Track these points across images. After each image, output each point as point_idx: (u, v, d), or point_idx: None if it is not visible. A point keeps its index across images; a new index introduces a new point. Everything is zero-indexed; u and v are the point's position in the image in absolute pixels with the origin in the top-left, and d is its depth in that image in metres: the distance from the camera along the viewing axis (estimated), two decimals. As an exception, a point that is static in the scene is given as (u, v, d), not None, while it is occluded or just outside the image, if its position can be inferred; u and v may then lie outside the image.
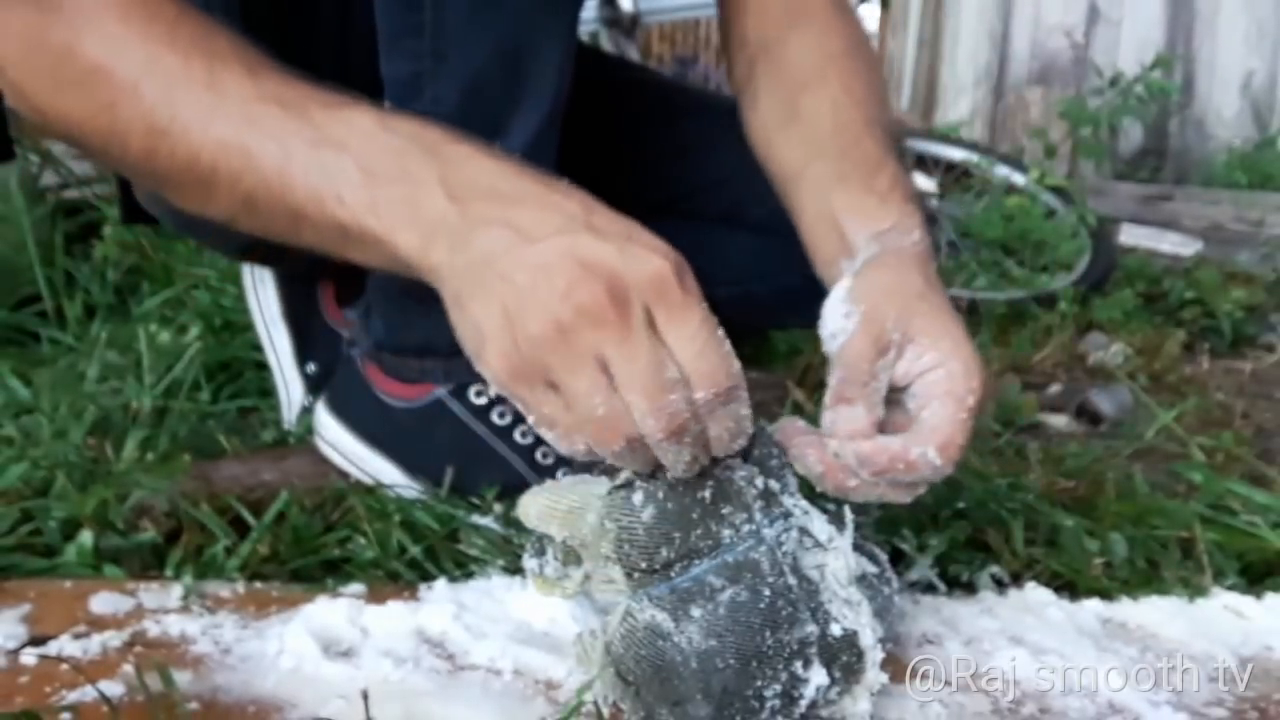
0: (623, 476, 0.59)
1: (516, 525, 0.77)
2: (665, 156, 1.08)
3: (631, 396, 0.52)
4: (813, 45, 0.83)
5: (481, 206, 0.54)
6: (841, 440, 0.60)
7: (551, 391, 0.53)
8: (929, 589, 0.77)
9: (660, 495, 0.57)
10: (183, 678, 0.58)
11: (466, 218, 0.54)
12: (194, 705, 0.56)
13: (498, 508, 0.84)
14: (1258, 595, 0.78)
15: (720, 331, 0.54)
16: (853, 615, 0.57)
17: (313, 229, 0.59)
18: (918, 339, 0.63)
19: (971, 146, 2.78)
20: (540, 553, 0.64)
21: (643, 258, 0.52)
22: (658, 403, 0.52)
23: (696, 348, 0.52)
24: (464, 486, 0.87)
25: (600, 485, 0.60)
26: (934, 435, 0.60)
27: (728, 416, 0.55)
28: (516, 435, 0.89)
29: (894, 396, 0.64)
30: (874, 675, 0.57)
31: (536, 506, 0.62)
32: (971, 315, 1.95)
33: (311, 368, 1.04)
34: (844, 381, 0.62)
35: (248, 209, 0.60)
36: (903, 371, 0.63)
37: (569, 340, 0.51)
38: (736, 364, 0.54)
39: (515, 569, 0.75)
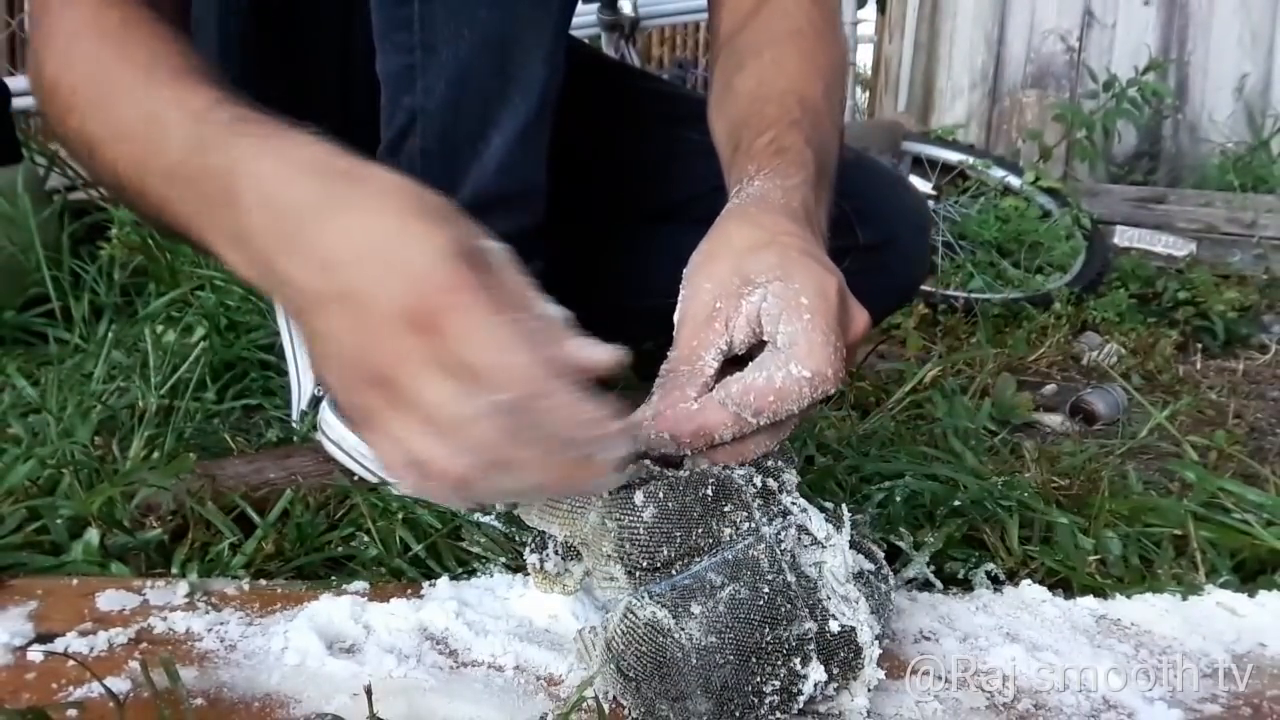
0: (624, 476, 0.60)
1: (518, 523, 0.78)
2: (665, 162, 1.09)
3: (447, 442, 0.46)
4: (763, 27, 0.84)
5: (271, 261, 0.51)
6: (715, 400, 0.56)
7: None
8: (925, 586, 0.78)
9: (661, 494, 0.58)
10: (188, 674, 0.58)
11: (266, 270, 0.51)
12: (199, 701, 0.56)
13: (499, 506, 0.84)
14: (1251, 593, 0.79)
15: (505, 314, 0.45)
16: (850, 612, 0.58)
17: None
18: (744, 286, 0.59)
19: (967, 149, 2.79)
20: (541, 549, 0.64)
21: (400, 288, 0.45)
22: (470, 436, 0.45)
23: (485, 358, 0.45)
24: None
25: None
26: (794, 351, 0.56)
27: (559, 400, 0.46)
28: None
29: (761, 349, 0.59)
30: (871, 671, 0.58)
31: (537, 506, 0.63)
32: (968, 316, 1.96)
33: None
34: (659, 375, 0.60)
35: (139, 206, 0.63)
36: (744, 324, 0.59)
37: (366, 404, 0.48)
38: (532, 359, 0.46)
39: (517, 567, 0.75)
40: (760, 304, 0.59)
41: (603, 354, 0.49)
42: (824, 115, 0.77)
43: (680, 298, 0.63)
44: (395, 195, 0.50)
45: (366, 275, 0.47)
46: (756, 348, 0.60)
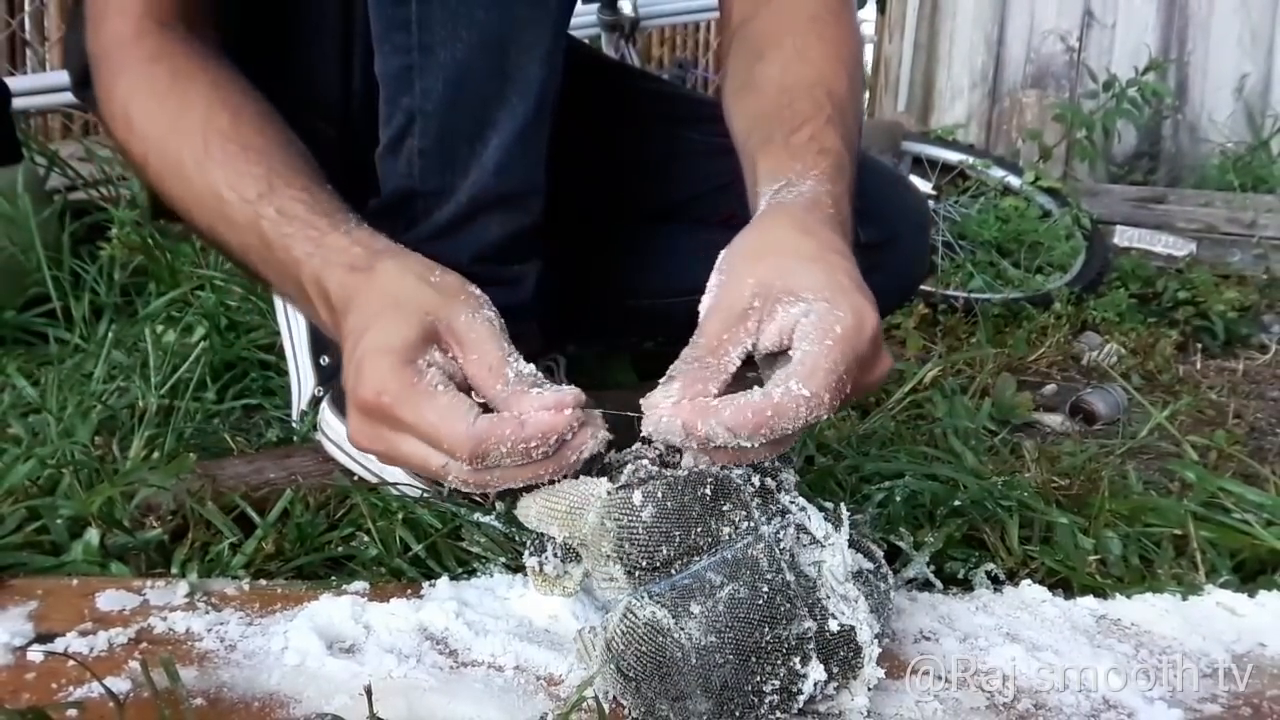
0: (623, 477, 0.60)
1: (518, 523, 0.77)
2: (666, 162, 1.09)
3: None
4: (779, 13, 0.84)
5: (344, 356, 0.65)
6: (688, 414, 0.57)
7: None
8: (925, 586, 0.78)
9: (660, 495, 0.58)
10: (188, 674, 0.58)
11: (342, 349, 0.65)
12: (199, 701, 0.56)
13: (499, 506, 0.84)
14: (1250, 593, 0.79)
15: (444, 401, 0.58)
16: (850, 611, 0.58)
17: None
18: (787, 295, 0.60)
19: (967, 149, 2.79)
20: (540, 551, 0.64)
21: (362, 389, 0.60)
22: (440, 479, 0.60)
23: (429, 434, 0.58)
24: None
25: (599, 485, 0.61)
26: (798, 369, 0.57)
27: (508, 458, 0.57)
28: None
29: (778, 358, 0.61)
30: (871, 670, 0.58)
31: (536, 507, 0.62)
32: (968, 315, 1.96)
33: (325, 360, 1.05)
34: (682, 359, 0.60)
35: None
36: (775, 331, 0.60)
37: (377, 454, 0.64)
38: (465, 425, 0.57)
39: (517, 567, 0.75)
40: (799, 318, 0.59)
41: (557, 400, 0.58)
42: (850, 111, 0.77)
43: (714, 284, 0.63)
44: (384, 294, 0.64)
45: (349, 375, 0.62)
46: (772, 356, 0.61)
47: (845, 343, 0.57)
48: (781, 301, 0.60)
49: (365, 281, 0.65)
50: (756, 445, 0.57)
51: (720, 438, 0.56)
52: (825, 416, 0.57)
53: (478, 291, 0.65)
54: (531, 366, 0.61)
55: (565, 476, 0.61)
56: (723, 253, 0.64)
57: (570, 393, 0.58)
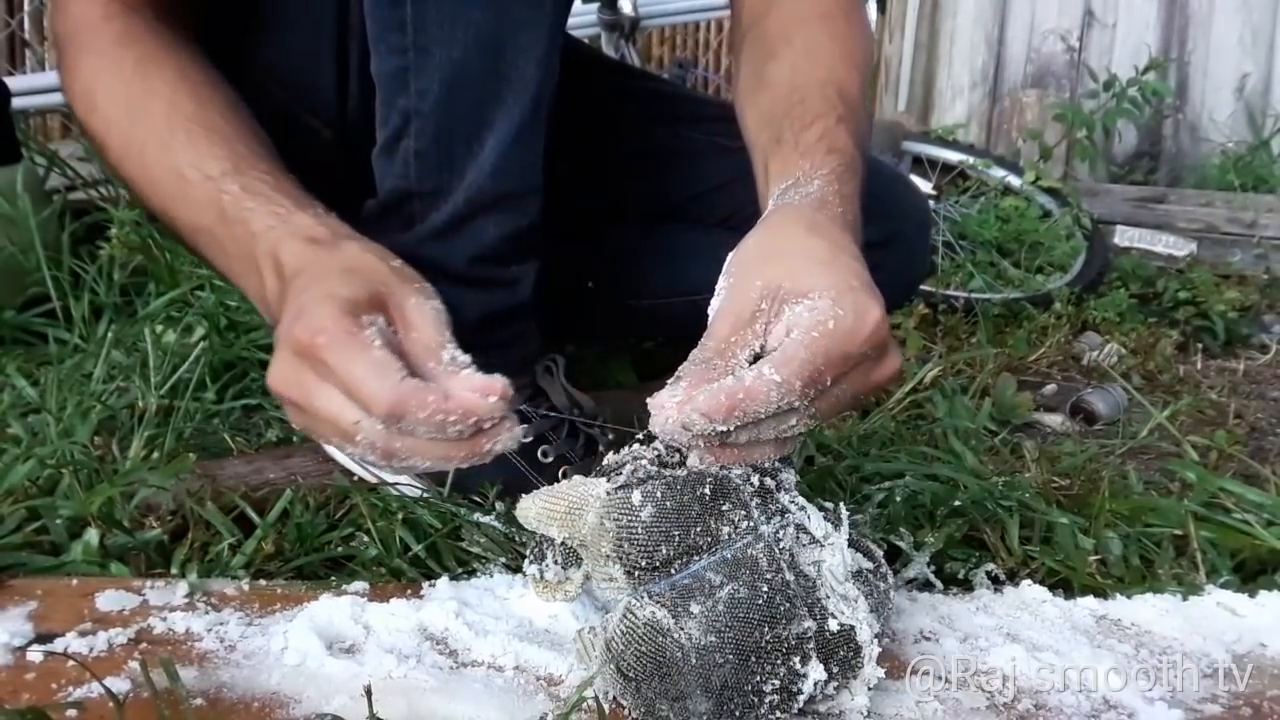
0: (622, 477, 0.60)
1: (518, 524, 0.78)
2: (667, 162, 1.09)
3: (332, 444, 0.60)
4: (790, 11, 0.83)
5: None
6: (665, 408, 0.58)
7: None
8: (925, 586, 0.78)
9: (659, 494, 0.58)
10: (188, 674, 0.58)
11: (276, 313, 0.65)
12: (199, 701, 0.56)
13: (499, 506, 0.84)
14: (1251, 593, 0.79)
15: (378, 355, 0.58)
16: (849, 611, 0.58)
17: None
18: (795, 296, 0.59)
19: (968, 149, 2.79)
20: (540, 558, 0.64)
21: (299, 327, 0.59)
22: (347, 438, 0.58)
23: (352, 384, 0.57)
24: (466, 485, 0.87)
25: (598, 486, 0.61)
26: (776, 356, 0.57)
27: (423, 427, 0.56)
28: (517, 434, 0.89)
29: None
30: (871, 670, 0.58)
31: (535, 509, 0.62)
32: (968, 315, 1.96)
33: None
34: (690, 360, 0.60)
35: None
36: (781, 332, 0.59)
37: (290, 402, 0.62)
38: (391, 381, 0.57)
39: (517, 567, 0.75)
40: (797, 323, 0.59)
41: (485, 385, 0.57)
42: (859, 109, 0.77)
43: (722, 286, 0.63)
44: (341, 262, 0.64)
45: (287, 318, 0.61)
46: None
47: (831, 337, 0.57)
48: (789, 303, 0.60)
49: (325, 252, 0.65)
50: (747, 440, 0.57)
51: (698, 424, 0.56)
52: (800, 405, 0.56)
53: (430, 288, 0.65)
54: (469, 358, 0.60)
55: (470, 465, 0.60)
56: (731, 254, 0.64)
57: (500, 382, 0.57)
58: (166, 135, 0.72)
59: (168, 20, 0.79)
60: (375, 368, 0.57)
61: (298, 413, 0.61)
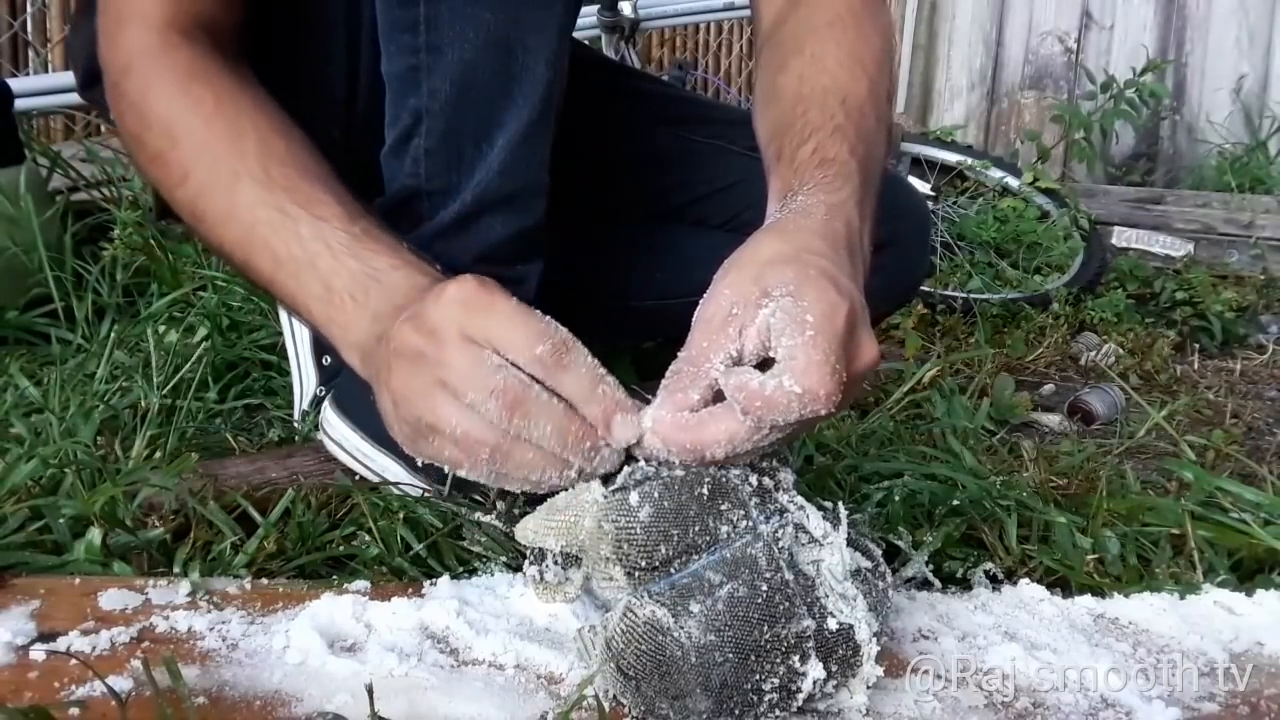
0: (619, 479, 0.60)
1: (518, 523, 0.78)
2: (665, 163, 1.09)
3: (469, 398, 0.58)
4: (803, 20, 0.83)
5: (385, 344, 0.64)
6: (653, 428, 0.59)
7: (438, 434, 0.60)
8: (924, 585, 0.78)
9: (657, 495, 0.58)
10: (190, 673, 0.59)
11: (373, 353, 0.66)
12: (201, 700, 0.56)
13: (500, 505, 0.85)
14: (1248, 592, 0.79)
15: (532, 311, 0.59)
16: (848, 610, 0.58)
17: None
18: (761, 297, 0.60)
19: (966, 150, 2.79)
20: (540, 560, 0.64)
21: (442, 292, 0.60)
22: (487, 387, 0.57)
23: (501, 329, 0.58)
24: (467, 484, 0.88)
25: (593, 490, 0.61)
26: (789, 366, 0.57)
27: (571, 372, 0.58)
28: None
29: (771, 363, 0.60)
30: (870, 669, 0.58)
31: (533, 524, 0.63)
32: (967, 316, 1.96)
33: (328, 360, 1.05)
34: (668, 373, 0.61)
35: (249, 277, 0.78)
36: (754, 335, 0.60)
37: (411, 386, 0.60)
38: (553, 327, 0.59)
39: (517, 566, 0.76)
40: (769, 318, 0.59)
41: (633, 411, 0.60)
42: (868, 113, 0.76)
43: (700, 301, 0.63)
44: (452, 294, 0.62)
45: (414, 313, 0.62)
46: (766, 362, 0.60)
47: (823, 333, 0.57)
48: (758, 305, 0.60)
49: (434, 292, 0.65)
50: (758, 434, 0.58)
51: (720, 452, 0.58)
52: (826, 411, 0.57)
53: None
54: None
55: (563, 489, 0.61)
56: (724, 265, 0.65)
57: (640, 423, 0.59)
58: (261, 174, 0.74)
59: (224, 46, 0.80)
60: (532, 317, 0.59)
61: (414, 380, 0.60)
